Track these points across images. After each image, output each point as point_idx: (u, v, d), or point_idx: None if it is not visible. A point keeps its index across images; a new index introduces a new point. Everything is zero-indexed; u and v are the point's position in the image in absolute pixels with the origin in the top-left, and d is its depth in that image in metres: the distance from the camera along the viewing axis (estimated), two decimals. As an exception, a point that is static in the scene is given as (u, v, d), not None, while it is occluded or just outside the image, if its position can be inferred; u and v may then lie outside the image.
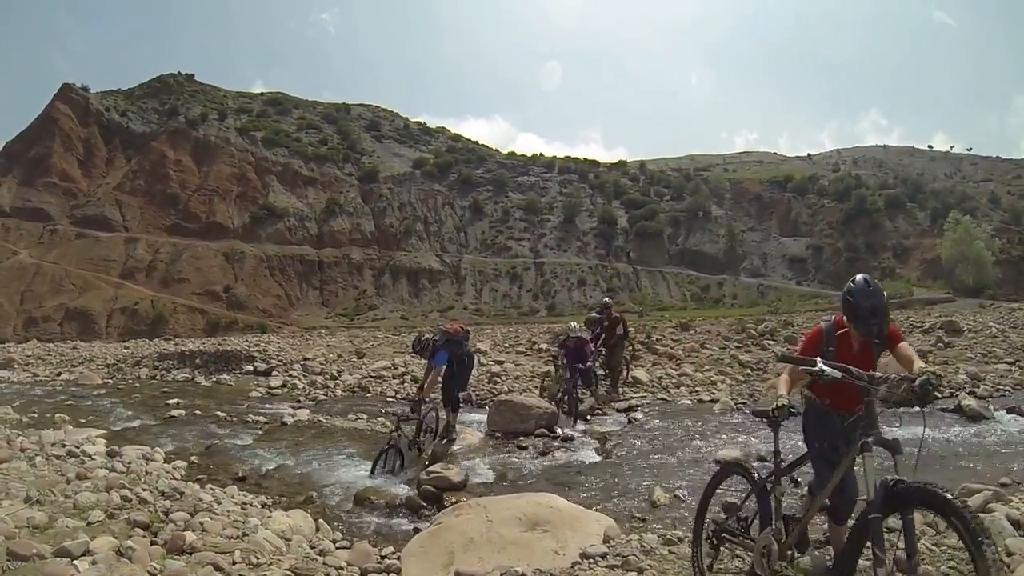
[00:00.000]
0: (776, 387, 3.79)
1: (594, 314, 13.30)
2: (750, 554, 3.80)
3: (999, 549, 3.88)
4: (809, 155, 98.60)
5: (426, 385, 8.41)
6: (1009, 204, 69.50)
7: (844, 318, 3.55)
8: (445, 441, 8.57)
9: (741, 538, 3.92)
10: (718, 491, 4.99)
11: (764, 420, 3.91)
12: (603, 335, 12.11)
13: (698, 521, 4.17)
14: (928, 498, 2.71)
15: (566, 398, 10.23)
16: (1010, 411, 9.11)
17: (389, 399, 13.75)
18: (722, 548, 4.11)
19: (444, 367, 8.40)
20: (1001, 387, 10.94)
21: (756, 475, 3.96)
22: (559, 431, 9.26)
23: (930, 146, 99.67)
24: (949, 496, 2.60)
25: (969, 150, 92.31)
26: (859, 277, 3.50)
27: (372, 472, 7.57)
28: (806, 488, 3.97)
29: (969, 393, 10.35)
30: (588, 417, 10.15)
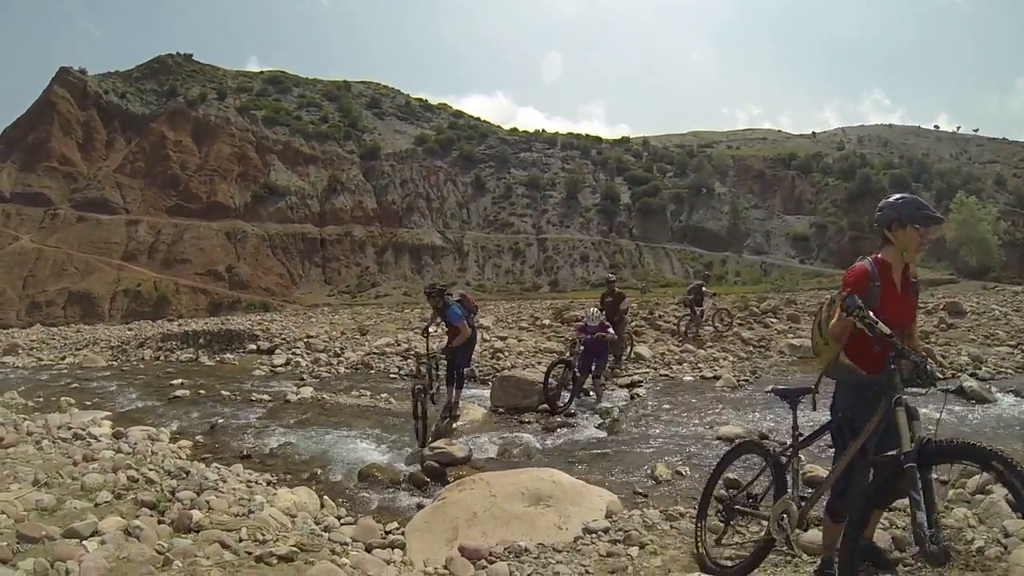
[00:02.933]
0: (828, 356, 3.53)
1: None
2: (763, 522, 3.80)
3: (997, 530, 3.92)
4: (813, 133, 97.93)
5: (454, 343, 8.44)
6: (1015, 186, 69.08)
7: (897, 231, 3.24)
8: (448, 417, 8.62)
9: (754, 510, 3.93)
10: (713, 464, 5.01)
11: (786, 399, 4.01)
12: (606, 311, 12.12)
13: (705, 497, 4.15)
14: (967, 451, 2.69)
15: (572, 384, 9.85)
16: (1011, 393, 9.12)
17: (392, 376, 13.80)
18: (731, 523, 4.11)
19: (464, 323, 8.42)
20: (1003, 369, 10.93)
21: (771, 450, 3.95)
22: (562, 407, 9.30)
23: (936, 126, 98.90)
24: (990, 447, 2.60)
25: (975, 131, 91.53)
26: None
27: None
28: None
29: (971, 375, 10.35)
30: (591, 393, 10.14)
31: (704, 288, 17.78)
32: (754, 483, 4.07)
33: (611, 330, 10.12)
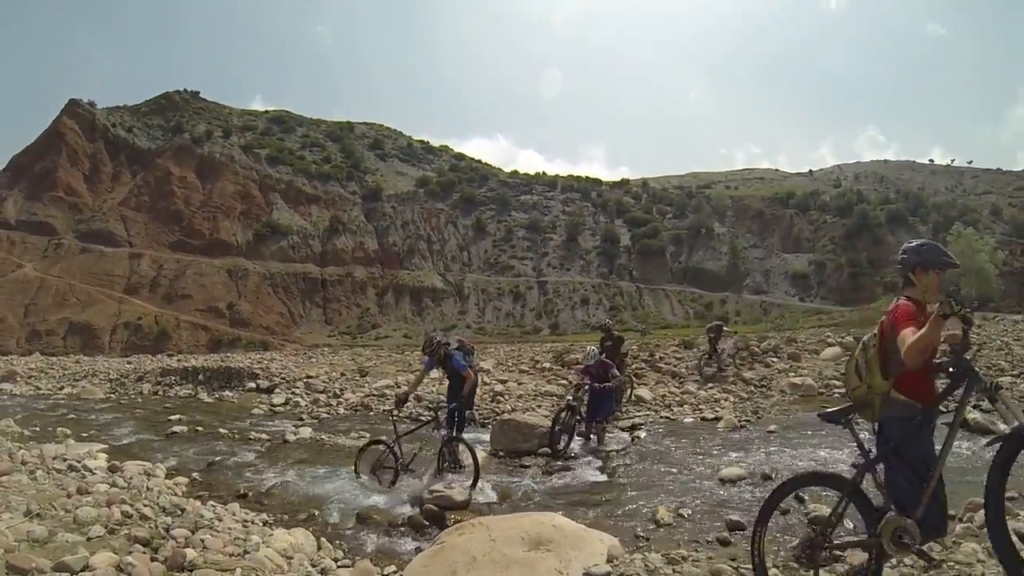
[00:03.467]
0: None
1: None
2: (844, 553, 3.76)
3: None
4: (811, 171, 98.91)
5: (466, 391, 8.39)
6: (1011, 216, 69.53)
7: (920, 275, 3.64)
8: (447, 462, 8.52)
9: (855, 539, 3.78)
10: (721, 507, 4.92)
11: (837, 422, 3.90)
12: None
13: (756, 543, 3.79)
14: None
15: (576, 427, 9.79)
16: (1016, 424, 9.03)
17: (393, 418, 13.69)
18: (820, 564, 3.78)
19: (469, 371, 8.38)
20: (1006, 401, 10.87)
21: (850, 477, 3.77)
22: (561, 449, 9.22)
23: (931, 160, 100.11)
24: None
25: (969, 163, 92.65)
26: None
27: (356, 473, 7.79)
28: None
29: (974, 407, 10.28)
30: (592, 436, 10.06)
31: (724, 328, 18.34)
32: (832, 518, 3.77)
33: (614, 371, 10.03)
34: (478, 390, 12.96)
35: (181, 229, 68.10)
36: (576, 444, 9.63)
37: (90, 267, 62.16)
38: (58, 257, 63.74)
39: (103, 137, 78.61)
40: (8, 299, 56.45)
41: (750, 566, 4.42)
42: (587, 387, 9.83)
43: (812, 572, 3.76)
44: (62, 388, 20.24)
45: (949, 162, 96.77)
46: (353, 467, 8.03)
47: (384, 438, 8.11)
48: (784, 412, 11.90)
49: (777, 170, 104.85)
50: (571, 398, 10.29)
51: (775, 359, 18.29)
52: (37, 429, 11.25)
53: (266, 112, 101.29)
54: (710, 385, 15.24)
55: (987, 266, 50.74)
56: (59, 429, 11.01)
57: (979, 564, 3.97)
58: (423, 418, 8.30)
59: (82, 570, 3.73)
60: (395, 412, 8.51)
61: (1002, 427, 9.11)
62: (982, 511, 4.96)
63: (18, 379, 22.53)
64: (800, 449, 8.71)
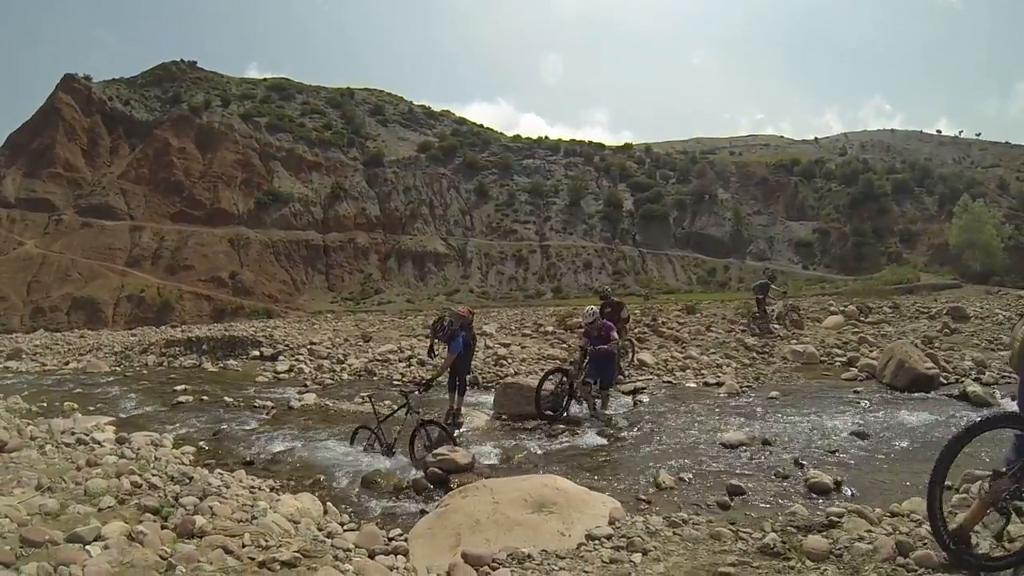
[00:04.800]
0: None
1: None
2: None
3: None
4: (816, 139, 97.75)
5: (440, 369, 8.52)
6: (1018, 190, 68.79)
7: None
8: (452, 424, 8.62)
9: None
10: (722, 472, 4.95)
11: None
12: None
13: (936, 484, 3.72)
14: None
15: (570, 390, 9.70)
16: (1015, 398, 9.08)
17: (395, 382, 13.81)
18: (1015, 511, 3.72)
19: (454, 355, 8.46)
20: (1006, 374, 10.88)
21: None
22: (565, 414, 9.29)
23: (938, 131, 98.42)
24: None
25: (978, 135, 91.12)
26: None
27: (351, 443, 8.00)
28: None
29: (974, 380, 10.33)
30: (596, 400, 10.10)
31: (772, 286, 19.11)
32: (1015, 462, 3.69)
33: (614, 333, 9.87)
34: (481, 353, 13.04)
35: (182, 200, 67.76)
36: (576, 408, 9.66)
37: (91, 242, 62.01)
38: (59, 233, 63.54)
39: (100, 111, 77.72)
40: (11, 277, 56.41)
41: (750, 530, 4.50)
42: (590, 353, 9.68)
43: (1005, 520, 3.73)
44: (67, 363, 20.37)
45: (957, 133, 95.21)
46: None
47: (368, 424, 8.19)
48: (786, 379, 11.95)
49: (782, 137, 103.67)
50: (569, 363, 10.26)
51: (777, 326, 18.33)
52: (45, 405, 11.37)
53: (265, 80, 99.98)
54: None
55: (993, 240, 50.47)
56: (66, 404, 11.12)
57: (974, 534, 4.02)
58: (394, 405, 8.34)
59: (94, 540, 3.80)
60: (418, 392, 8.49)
61: (1000, 399, 9.16)
62: (978, 482, 5.01)
63: (24, 356, 22.66)
64: (801, 416, 8.78)
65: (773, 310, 18.05)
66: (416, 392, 8.24)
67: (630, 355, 13.44)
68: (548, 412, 9.26)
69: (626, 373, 12.42)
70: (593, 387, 9.61)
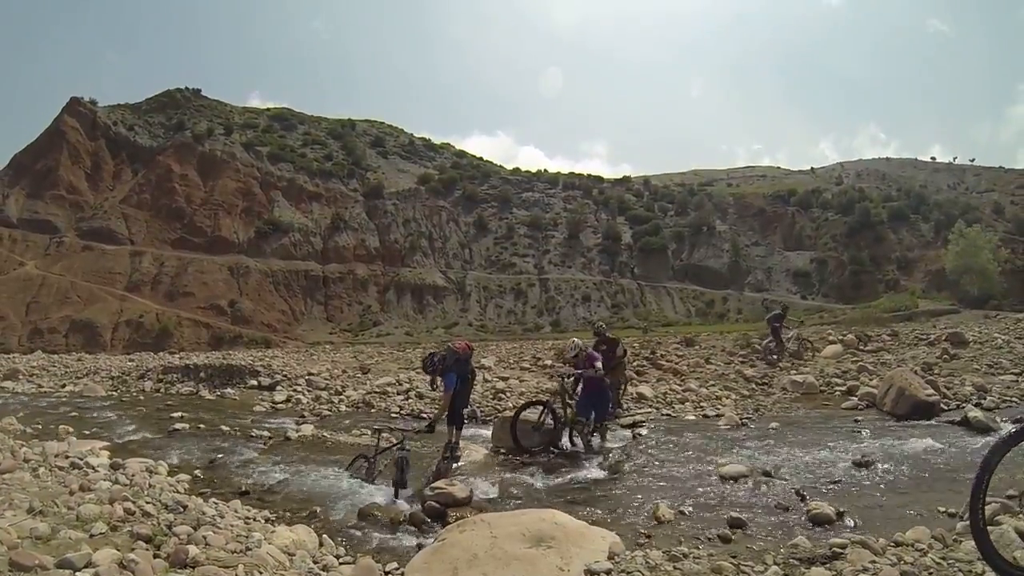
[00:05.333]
0: None
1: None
2: None
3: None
4: (812, 168, 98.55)
5: (441, 408, 8.49)
6: (1013, 214, 69.24)
7: None
8: (449, 457, 8.55)
9: None
10: (722, 505, 4.86)
11: None
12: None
13: (976, 499, 3.69)
14: None
15: (576, 429, 9.47)
16: (1017, 422, 9.02)
17: (394, 415, 13.73)
18: None
19: (451, 392, 8.40)
20: (1008, 398, 10.87)
21: None
22: (564, 447, 9.22)
23: (933, 158, 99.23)
24: None
25: (972, 161, 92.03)
26: None
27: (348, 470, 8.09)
28: None
29: (975, 405, 10.29)
30: (593, 434, 10.01)
31: (787, 316, 20.01)
32: None
33: (598, 364, 9.45)
34: (479, 387, 12.93)
35: (182, 227, 68.07)
36: (565, 441, 9.49)
37: (91, 265, 62.16)
38: (60, 255, 63.75)
39: (104, 135, 78.57)
40: (10, 297, 56.47)
41: (751, 563, 4.44)
42: (579, 376, 9.41)
43: None
44: (64, 386, 20.28)
45: (951, 160, 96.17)
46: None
47: (366, 454, 8.34)
48: (785, 410, 11.90)
49: (779, 167, 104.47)
50: (550, 394, 9.96)
51: (775, 356, 18.31)
52: (40, 427, 11.29)
53: (267, 109, 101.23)
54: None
55: (990, 264, 50.69)
56: (61, 427, 11.04)
57: (979, 562, 3.98)
58: (393, 440, 8.37)
59: (85, 567, 3.74)
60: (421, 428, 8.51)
61: (1002, 424, 9.12)
62: (985, 508, 4.97)
63: (20, 377, 22.58)
64: (801, 447, 8.72)
65: (789, 338, 18.32)
66: (412, 436, 8.23)
67: (624, 386, 12.76)
68: (534, 448, 9.05)
69: (623, 406, 12.12)
70: (587, 424, 9.34)
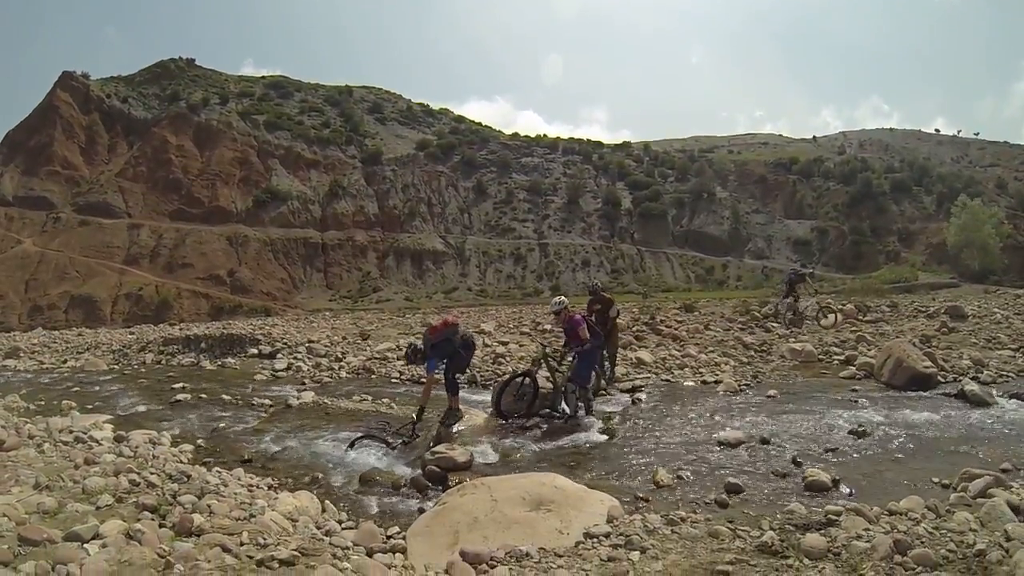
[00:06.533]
0: None
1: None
2: None
3: (999, 534, 3.92)
4: (814, 137, 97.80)
5: (423, 398, 8.47)
6: (1016, 189, 68.91)
7: None
8: (450, 422, 8.61)
9: None
10: (720, 470, 4.91)
11: None
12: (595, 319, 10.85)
13: None
14: None
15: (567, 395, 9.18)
16: (1013, 397, 9.09)
17: (394, 380, 13.81)
18: None
19: (433, 373, 8.44)
20: (1005, 373, 10.90)
21: None
22: (563, 410, 9.26)
23: (937, 130, 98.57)
24: None
25: (976, 135, 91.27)
26: None
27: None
28: None
29: (972, 379, 10.33)
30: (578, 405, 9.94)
31: (806, 276, 19.46)
32: None
33: (583, 329, 9.07)
34: (479, 352, 12.91)
35: (180, 198, 67.72)
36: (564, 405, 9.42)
37: (89, 239, 61.96)
38: (57, 231, 63.50)
39: (98, 109, 77.67)
40: (8, 275, 56.39)
41: (748, 528, 4.51)
42: (574, 352, 9.12)
43: None
44: (65, 362, 20.34)
45: (955, 133, 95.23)
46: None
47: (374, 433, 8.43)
48: (784, 377, 11.95)
49: (781, 135, 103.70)
50: (532, 363, 9.68)
51: (775, 324, 18.33)
52: (42, 403, 11.36)
53: (263, 78, 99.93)
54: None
55: (991, 239, 50.57)
56: (64, 402, 11.12)
57: (971, 533, 4.03)
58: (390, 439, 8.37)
59: (92, 539, 3.79)
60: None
61: (998, 398, 9.19)
62: (976, 481, 5.05)
63: (22, 354, 22.65)
64: (799, 414, 8.78)
65: (806, 307, 18.12)
66: (403, 441, 8.13)
67: (607, 367, 11.63)
68: (514, 416, 8.99)
69: (605, 376, 11.22)
70: (583, 391, 9.18)
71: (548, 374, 9.47)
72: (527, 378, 9.28)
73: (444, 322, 8.80)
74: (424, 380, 8.58)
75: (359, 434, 8.40)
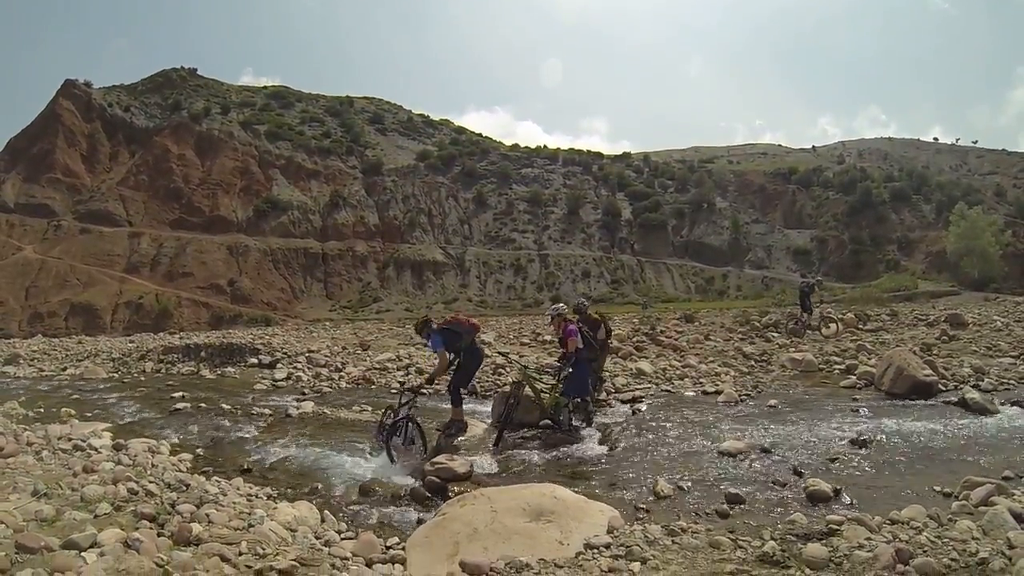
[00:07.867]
0: None
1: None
2: None
3: (1001, 542, 3.91)
4: (814, 147, 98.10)
5: (437, 367, 8.46)
6: (1015, 197, 69.08)
7: None
8: (450, 433, 8.59)
9: None
10: (720, 480, 4.88)
11: None
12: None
13: None
14: None
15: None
16: (1014, 405, 9.06)
17: (394, 391, 13.78)
18: None
19: (443, 351, 8.36)
20: (1005, 381, 10.87)
21: None
22: (563, 422, 9.22)
23: (935, 138, 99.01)
24: None
25: (975, 143, 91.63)
26: None
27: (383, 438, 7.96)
28: None
29: (973, 386, 10.30)
30: (591, 409, 10.01)
31: (816, 287, 19.83)
32: None
33: (575, 339, 9.08)
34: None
35: (181, 207, 67.89)
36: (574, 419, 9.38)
37: (90, 247, 62.08)
38: (58, 239, 63.64)
39: (100, 117, 78.06)
40: (9, 282, 56.48)
41: (749, 539, 4.50)
42: (569, 364, 9.04)
43: None
44: (65, 369, 20.31)
45: (954, 141, 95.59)
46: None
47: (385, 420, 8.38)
48: (784, 387, 11.92)
49: (780, 145, 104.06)
50: (516, 384, 9.52)
51: (775, 334, 18.32)
52: (42, 410, 11.33)
53: (264, 88, 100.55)
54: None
55: (990, 247, 50.64)
56: (63, 409, 11.08)
57: (974, 541, 4.01)
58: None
59: (90, 547, 3.78)
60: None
61: (999, 406, 9.17)
62: (978, 489, 5.03)
63: (21, 361, 22.62)
64: (800, 424, 8.75)
65: (815, 315, 18.26)
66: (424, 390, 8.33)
67: (601, 379, 11.54)
68: (503, 427, 8.79)
69: (594, 388, 10.82)
70: (579, 405, 9.20)
71: (532, 393, 9.19)
72: (512, 399, 9.02)
73: (468, 320, 8.92)
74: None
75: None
